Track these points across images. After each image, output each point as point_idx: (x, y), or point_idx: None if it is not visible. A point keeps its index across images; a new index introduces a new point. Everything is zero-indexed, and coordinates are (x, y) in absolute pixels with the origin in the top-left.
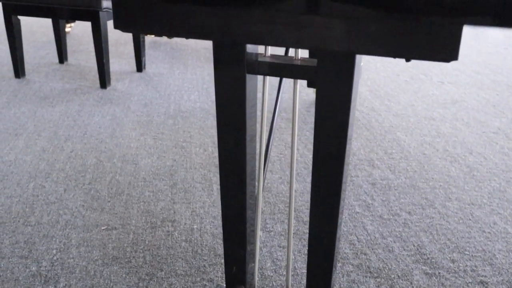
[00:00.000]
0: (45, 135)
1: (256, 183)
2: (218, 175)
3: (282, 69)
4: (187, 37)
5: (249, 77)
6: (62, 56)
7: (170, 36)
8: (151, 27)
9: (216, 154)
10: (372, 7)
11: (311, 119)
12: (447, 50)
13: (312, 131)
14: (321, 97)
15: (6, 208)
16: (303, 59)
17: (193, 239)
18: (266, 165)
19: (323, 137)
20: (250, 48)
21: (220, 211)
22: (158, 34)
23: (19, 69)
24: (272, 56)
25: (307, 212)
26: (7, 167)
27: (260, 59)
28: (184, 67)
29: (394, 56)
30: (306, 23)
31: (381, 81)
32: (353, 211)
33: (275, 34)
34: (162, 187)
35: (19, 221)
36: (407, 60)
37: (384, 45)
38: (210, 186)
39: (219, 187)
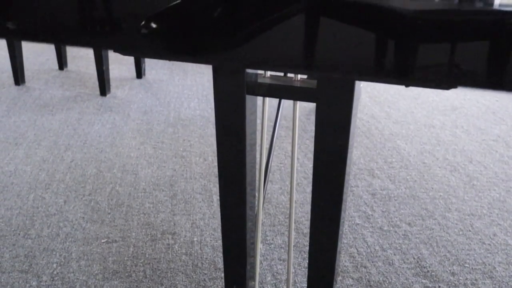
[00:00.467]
0: (45, 145)
1: (257, 194)
2: (218, 186)
3: (281, 90)
4: (186, 61)
5: (248, 98)
6: (61, 62)
7: (170, 60)
8: (150, 51)
9: (216, 163)
10: (372, 35)
11: (311, 127)
12: (446, 80)
13: (312, 139)
14: (320, 118)
15: (7, 220)
16: (302, 81)
17: (193, 252)
18: (267, 177)
19: (323, 150)
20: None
21: (220, 223)
22: (157, 58)
23: (18, 76)
24: (272, 77)
25: (307, 223)
26: (7, 177)
27: (259, 80)
28: (184, 73)
29: (394, 83)
30: (305, 50)
31: (381, 87)
32: (353, 222)
33: (274, 61)
34: (162, 198)
35: (19, 234)
36: (406, 86)
37: (384, 72)
38: (210, 197)
39: (219, 198)
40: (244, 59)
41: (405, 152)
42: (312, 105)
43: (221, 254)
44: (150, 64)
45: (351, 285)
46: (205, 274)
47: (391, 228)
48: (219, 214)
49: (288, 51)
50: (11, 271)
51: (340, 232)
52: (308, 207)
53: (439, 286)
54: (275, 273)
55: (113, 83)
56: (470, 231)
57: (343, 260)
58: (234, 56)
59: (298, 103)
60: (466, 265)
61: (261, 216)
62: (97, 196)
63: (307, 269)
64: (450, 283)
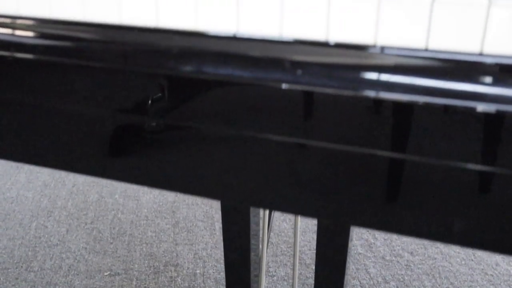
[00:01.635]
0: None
1: (261, 222)
2: (220, 212)
3: None
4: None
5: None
6: None
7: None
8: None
9: None
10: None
11: None
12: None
13: None
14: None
15: (9, 251)
16: None
17: (196, 285)
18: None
19: None
20: None
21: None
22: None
23: None
24: None
25: (310, 253)
26: (9, 204)
27: None
28: None
29: (386, 231)
30: (303, 195)
31: None
32: (355, 251)
33: (278, 203)
34: (165, 226)
35: (22, 266)
36: None
37: (377, 220)
38: (212, 224)
39: (221, 225)
40: (247, 200)
41: None
42: None
43: (224, 287)
44: None
45: None
46: None
47: (394, 258)
48: (222, 243)
49: (290, 194)
50: None
51: (347, 265)
52: (310, 236)
53: None
54: None
55: None
56: (472, 260)
57: None
58: (238, 196)
59: None
60: None
61: (266, 246)
62: (99, 224)
63: None
64: None
